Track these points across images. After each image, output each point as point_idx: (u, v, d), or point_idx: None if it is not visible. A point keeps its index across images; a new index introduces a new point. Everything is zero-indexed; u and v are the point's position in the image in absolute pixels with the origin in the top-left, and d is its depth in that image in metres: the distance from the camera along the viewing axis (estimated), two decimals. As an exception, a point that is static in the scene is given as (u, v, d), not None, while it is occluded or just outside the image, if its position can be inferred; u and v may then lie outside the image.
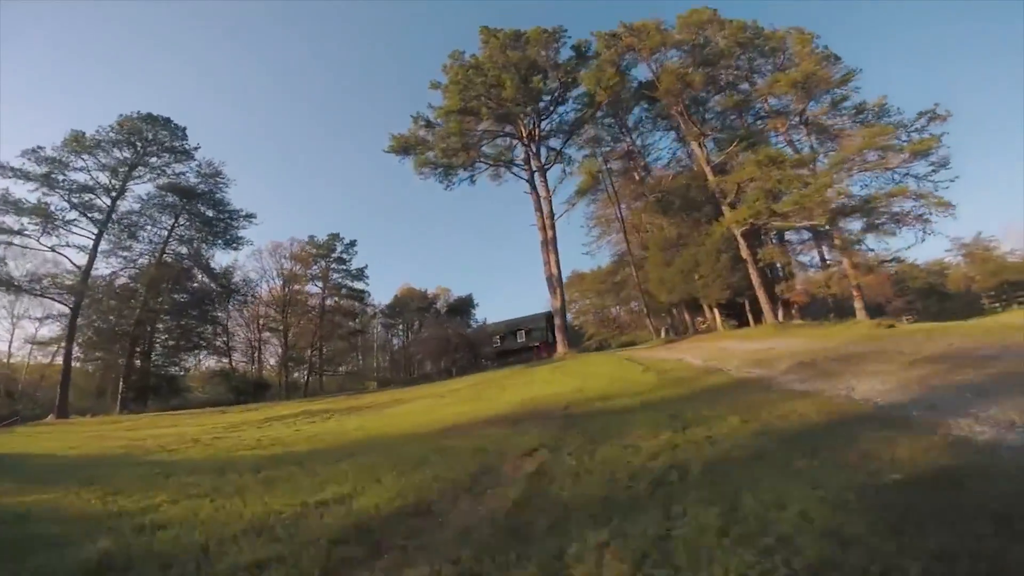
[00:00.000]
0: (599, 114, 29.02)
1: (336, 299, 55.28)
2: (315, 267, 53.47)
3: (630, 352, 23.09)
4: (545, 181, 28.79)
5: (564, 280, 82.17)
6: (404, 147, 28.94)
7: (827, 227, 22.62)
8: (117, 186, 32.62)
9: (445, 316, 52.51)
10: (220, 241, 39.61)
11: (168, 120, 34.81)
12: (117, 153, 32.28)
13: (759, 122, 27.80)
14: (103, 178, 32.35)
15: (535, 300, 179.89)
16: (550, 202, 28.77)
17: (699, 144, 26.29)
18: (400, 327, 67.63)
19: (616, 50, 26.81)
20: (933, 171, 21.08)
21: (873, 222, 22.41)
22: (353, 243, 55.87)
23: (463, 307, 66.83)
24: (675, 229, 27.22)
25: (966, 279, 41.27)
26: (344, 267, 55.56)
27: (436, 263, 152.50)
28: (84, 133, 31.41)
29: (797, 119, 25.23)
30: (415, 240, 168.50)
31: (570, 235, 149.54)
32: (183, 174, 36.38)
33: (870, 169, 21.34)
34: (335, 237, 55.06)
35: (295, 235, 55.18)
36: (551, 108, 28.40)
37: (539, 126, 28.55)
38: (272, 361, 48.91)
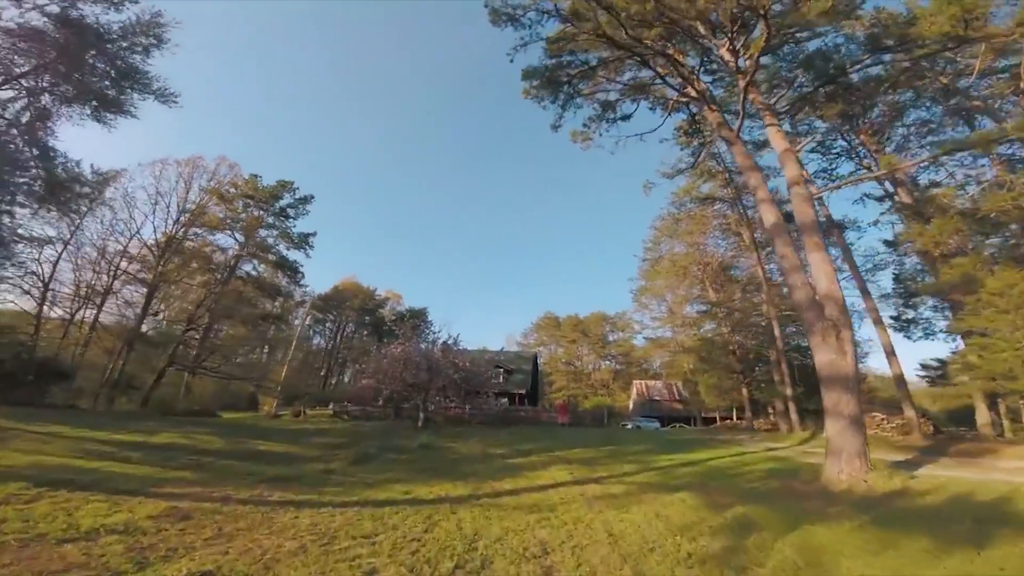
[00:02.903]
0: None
1: (257, 265, 38.70)
2: (243, 213, 36.94)
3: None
4: (779, 128, 15.74)
5: (536, 322, 69.50)
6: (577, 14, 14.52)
7: None
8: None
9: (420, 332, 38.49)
10: (92, 98, 21.21)
11: None
12: None
13: None
14: None
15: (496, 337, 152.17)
16: (797, 161, 15.46)
17: None
18: (328, 324, 51.40)
19: None
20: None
21: None
22: (308, 199, 40.55)
23: (415, 322, 53.07)
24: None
25: None
26: (284, 226, 39.70)
27: (387, 265, 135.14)
28: None
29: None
30: (370, 230, 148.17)
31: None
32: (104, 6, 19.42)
33: None
34: (286, 184, 39.52)
35: (227, 159, 37.68)
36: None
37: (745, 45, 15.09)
38: (107, 319, 28.39)
